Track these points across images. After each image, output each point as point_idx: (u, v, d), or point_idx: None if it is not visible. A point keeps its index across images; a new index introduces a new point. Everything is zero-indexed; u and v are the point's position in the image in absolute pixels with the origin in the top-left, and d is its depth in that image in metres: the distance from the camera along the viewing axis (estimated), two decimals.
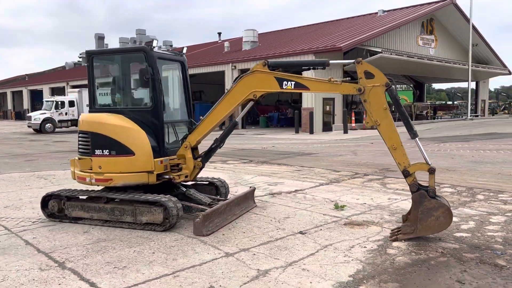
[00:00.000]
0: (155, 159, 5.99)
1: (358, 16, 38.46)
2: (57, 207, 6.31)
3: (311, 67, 5.73)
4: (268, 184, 8.91)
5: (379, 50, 25.95)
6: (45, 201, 6.42)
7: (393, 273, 4.29)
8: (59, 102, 31.85)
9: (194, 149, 6.37)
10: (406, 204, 7.06)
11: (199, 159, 6.34)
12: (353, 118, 26.62)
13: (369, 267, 4.43)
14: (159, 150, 6.12)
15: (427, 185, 5.20)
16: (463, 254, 4.76)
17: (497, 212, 6.50)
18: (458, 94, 68.81)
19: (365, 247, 5.04)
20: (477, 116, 39.67)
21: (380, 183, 8.89)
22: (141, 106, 6.43)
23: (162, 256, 4.82)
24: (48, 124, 31.09)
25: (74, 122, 32.52)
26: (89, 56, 6.40)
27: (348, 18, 39.16)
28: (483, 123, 31.04)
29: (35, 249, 5.12)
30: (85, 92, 32.61)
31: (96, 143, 6.05)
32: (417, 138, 5.25)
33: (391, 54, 26.40)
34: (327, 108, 25.97)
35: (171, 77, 6.90)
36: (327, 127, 25.91)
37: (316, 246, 5.07)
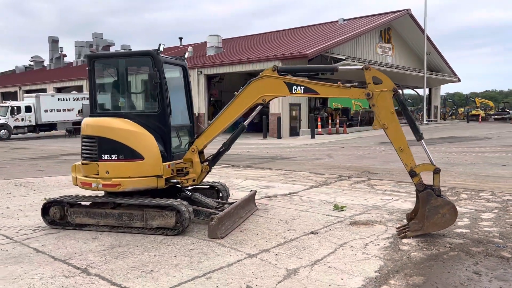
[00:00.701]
0: (163, 163, 5.97)
1: (320, 24, 39.47)
2: (59, 214, 6.13)
3: (320, 73, 5.94)
4: (260, 188, 9.03)
5: (343, 57, 26.77)
6: (46, 208, 6.22)
7: (414, 267, 4.54)
8: (15, 108, 30.45)
9: (200, 153, 6.40)
10: (399, 204, 7.41)
11: (206, 163, 6.38)
12: (319, 123, 27.25)
13: (390, 263, 4.65)
14: (166, 154, 6.10)
15: (431, 184, 5.54)
16: (469, 248, 5.09)
17: (485, 209, 6.96)
18: (409, 100, 71.87)
19: (378, 244, 5.28)
20: (431, 121, 41.67)
21: (367, 185, 9.23)
22: (147, 111, 6.39)
23: (185, 259, 4.82)
24: (3, 131, 29.67)
25: (31, 128, 31.23)
26: (91, 59, 6.30)
27: (310, 26, 40.09)
28: (438, 127, 32.69)
29: (50, 256, 4.98)
30: (44, 97, 31.41)
31: (103, 147, 5.94)
32: (422, 140, 5.58)
33: (354, 61, 27.27)
34: (294, 113, 26.45)
35: (173, 81, 6.89)
36: (294, 132, 26.38)
37: (332, 245, 5.25)
